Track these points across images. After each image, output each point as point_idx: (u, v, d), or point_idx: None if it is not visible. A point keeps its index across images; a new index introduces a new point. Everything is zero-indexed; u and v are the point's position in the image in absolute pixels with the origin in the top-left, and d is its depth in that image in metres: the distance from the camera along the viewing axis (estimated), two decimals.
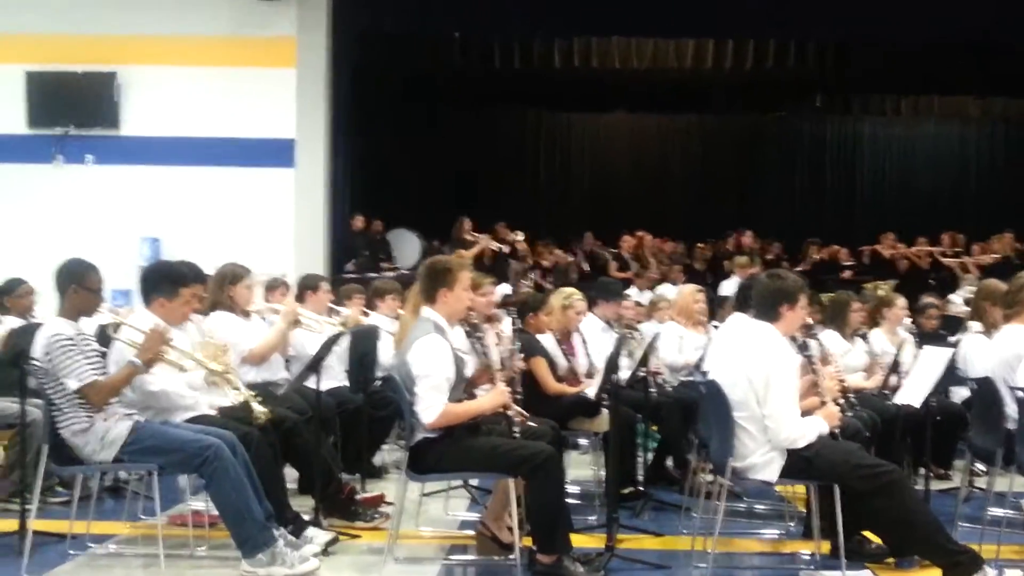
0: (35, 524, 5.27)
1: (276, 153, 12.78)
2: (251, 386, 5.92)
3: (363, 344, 7.01)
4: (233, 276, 6.74)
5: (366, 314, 8.14)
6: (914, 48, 14.76)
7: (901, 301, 8.34)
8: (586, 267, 14.76)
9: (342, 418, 7.01)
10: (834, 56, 16.05)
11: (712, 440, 5.35)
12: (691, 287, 8.63)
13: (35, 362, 5.08)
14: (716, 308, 8.90)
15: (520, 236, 14.64)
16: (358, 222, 14.00)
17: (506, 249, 14.31)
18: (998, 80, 16.40)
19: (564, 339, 7.05)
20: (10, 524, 5.65)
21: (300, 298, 7.58)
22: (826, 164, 19.83)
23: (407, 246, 14.55)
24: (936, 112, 19.20)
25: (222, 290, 6.68)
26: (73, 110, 12.71)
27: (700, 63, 16.14)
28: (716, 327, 7.92)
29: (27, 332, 5.78)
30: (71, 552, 5.40)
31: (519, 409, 5.43)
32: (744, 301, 6.06)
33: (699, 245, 16.00)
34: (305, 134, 12.90)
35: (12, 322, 7.34)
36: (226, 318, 6.59)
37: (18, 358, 5.59)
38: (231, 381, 5.59)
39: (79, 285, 5.22)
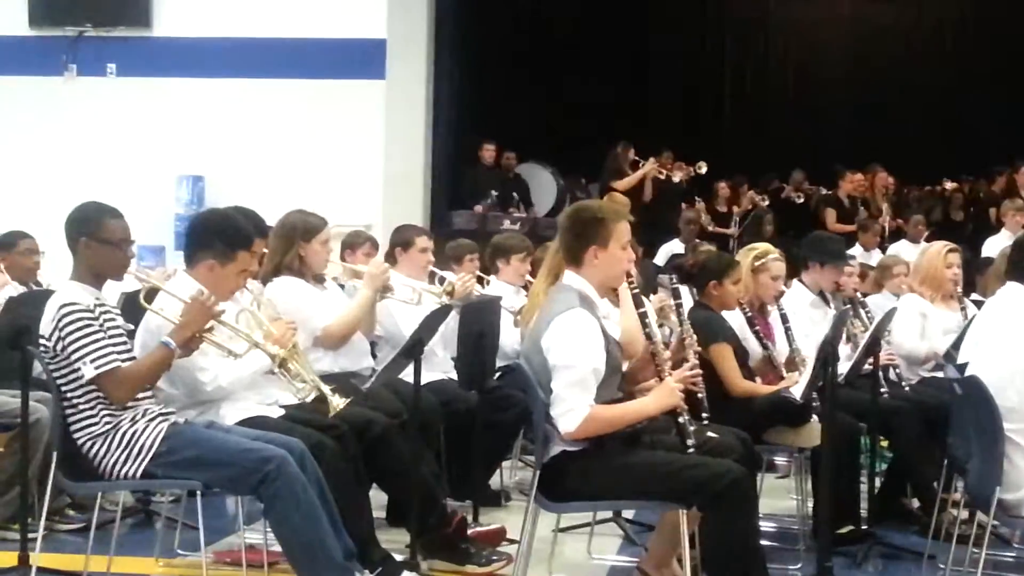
0: (40, 559, 5.46)
1: (361, 60, 12.89)
2: (325, 378, 5.98)
3: (478, 322, 7.03)
4: (305, 230, 6.77)
5: (483, 280, 8.18)
6: None
7: None
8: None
9: (448, 423, 7.08)
10: None
11: (971, 461, 5.27)
12: (940, 245, 8.44)
13: (42, 342, 5.20)
14: (976, 275, 8.71)
15: (703, 168, 14.61)
16: (487, 153, 14.06)
17: (675, 179, 14.32)
18: None
19: (757, 317, 6.99)
20: (8, 558, 5.82)
21: (391, 258, 7.66)
22: None
23: (538, 186, 14.56)
24: None
25: (289, 248, 6.75)
26: (90, 5, 13.04)
27: None
28: (977, 302, 7.76)
29: (31, 301, 5.93)
30: None
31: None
32: (1019, 265, 5.92)
33: (951, 185, 15.68)
34: (400, 35, 12.97)
35: (11, 289, 7.51)
36: (293, 286, 6.68)
37: (19, 337, 5.72)
38: (299, 370, 5.66)
39: (91, 237, 5.23)
